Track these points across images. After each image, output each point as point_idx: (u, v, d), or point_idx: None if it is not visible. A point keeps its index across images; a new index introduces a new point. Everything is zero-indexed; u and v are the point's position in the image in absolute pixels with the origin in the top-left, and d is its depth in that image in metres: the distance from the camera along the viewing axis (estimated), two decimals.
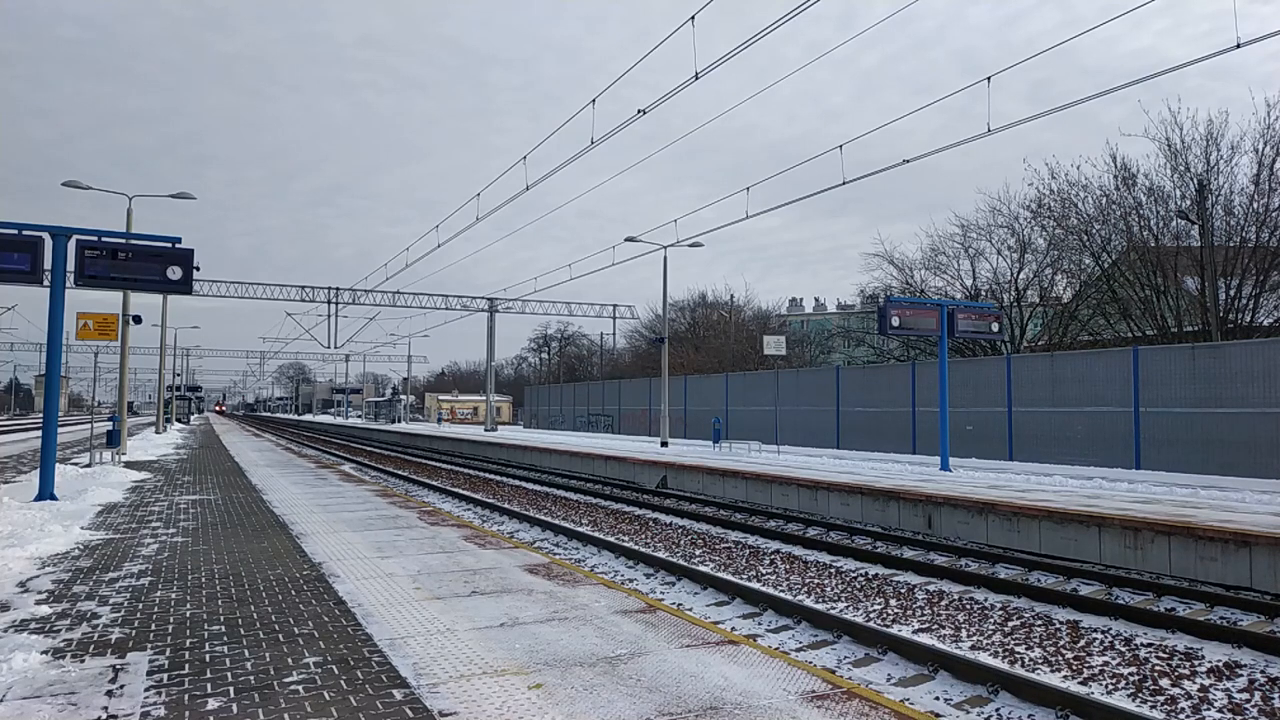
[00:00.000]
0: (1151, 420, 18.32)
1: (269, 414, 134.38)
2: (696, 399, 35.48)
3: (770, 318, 56.60)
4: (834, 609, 8.27)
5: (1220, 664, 6.56)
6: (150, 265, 11.57)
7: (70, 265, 11.43)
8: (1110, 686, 6.12)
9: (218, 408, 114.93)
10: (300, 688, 4.14)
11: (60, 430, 15.39)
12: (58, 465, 13.28)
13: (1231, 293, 22.84)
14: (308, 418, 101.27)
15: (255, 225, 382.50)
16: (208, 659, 4.59)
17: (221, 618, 5.49)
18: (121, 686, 4.16)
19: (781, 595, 8.56)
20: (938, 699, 5.88)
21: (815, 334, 55.97)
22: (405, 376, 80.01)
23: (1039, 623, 7.80)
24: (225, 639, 4.98)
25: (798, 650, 6.99)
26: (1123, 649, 6.98)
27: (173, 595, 6.15)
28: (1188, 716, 5.58)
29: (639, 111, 16.31)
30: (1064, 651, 6.94)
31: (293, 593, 6.25)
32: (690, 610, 8.26)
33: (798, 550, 11.63)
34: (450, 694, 4.06)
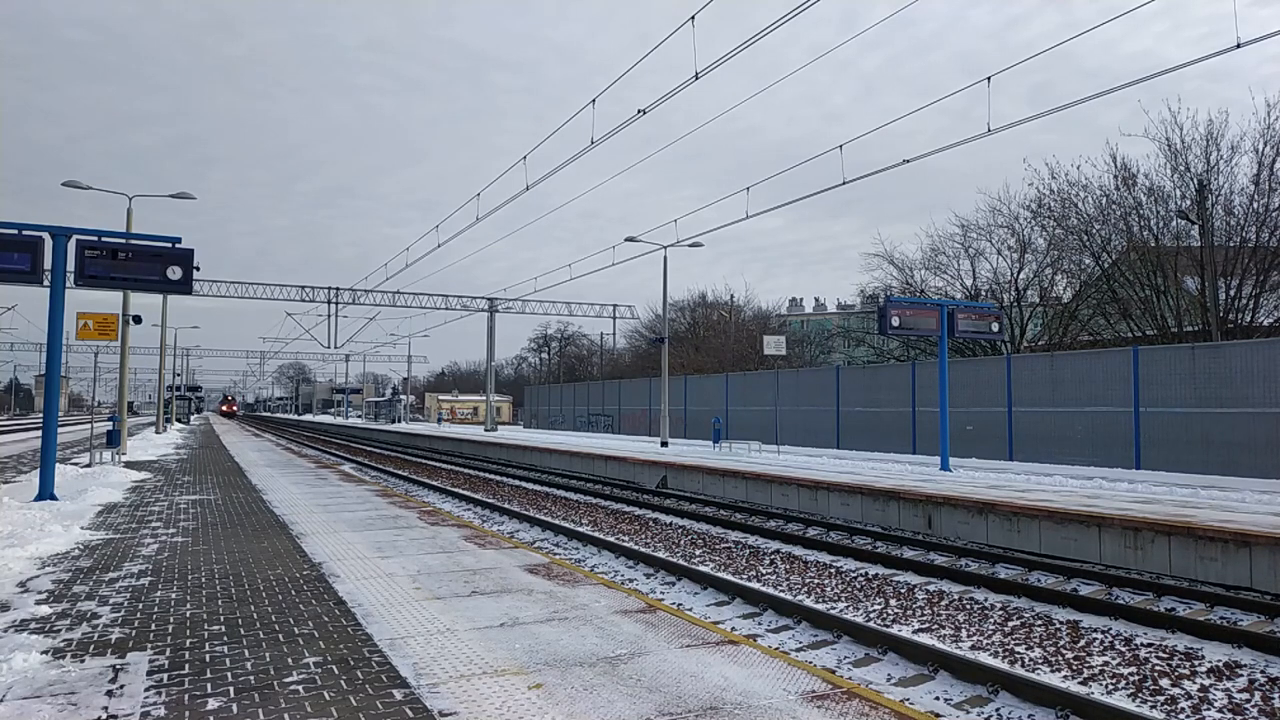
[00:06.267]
0: (1151, 420, 18.32)
1: (269, 414, 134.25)
2: (696, 399, 35.48)
3: (770, 318, 56.57)
4: (834, 609, 8.27)
5: (1220, 664, 6.56)
6: (150, 265, 11.57)
7: (70, 265, 11.43)
8: (1110, 686, 6.11)
9: (225, 408, 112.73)
10: (300, 688, 4.14)
11: (60, 430, 15.40)
12: (58, 465, 13.28)
13: (1231, 293, 22.84)
14: (308, 418, 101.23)
15: (258, 226, 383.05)
16: (208, 659, 4.59)
17: (221, 618, 5.49)
18: (121, 686, 4.16)
19: (781, 595, 8.56)
20: (938, 699, 5.88)
21: (815, 334, 55.99)
22: (405, 376, 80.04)
23: (1039, 623, 7.80)
24: (225, 639, 4.98)
25: (798, 650, 6.99)
26: (1123, 649, 6.98)
27: (173, 595, 6.15)
28: (1188, 716, 5.58)
29: (639, 111, 16.31)
30: (1064, 651, 6.94)
31: (293, 593, 6.25)
32: (690, 610, 8.26)
33: (798, 550, 11.63)
34: (450, 694, 4.06)
